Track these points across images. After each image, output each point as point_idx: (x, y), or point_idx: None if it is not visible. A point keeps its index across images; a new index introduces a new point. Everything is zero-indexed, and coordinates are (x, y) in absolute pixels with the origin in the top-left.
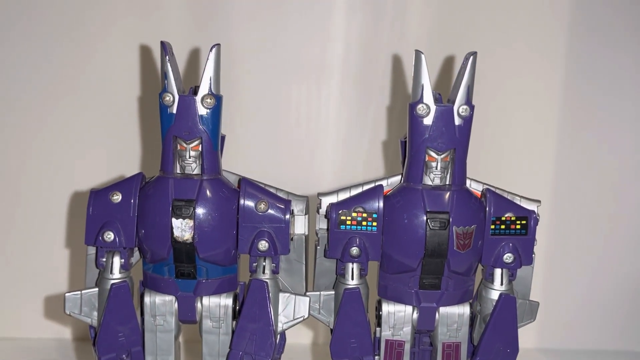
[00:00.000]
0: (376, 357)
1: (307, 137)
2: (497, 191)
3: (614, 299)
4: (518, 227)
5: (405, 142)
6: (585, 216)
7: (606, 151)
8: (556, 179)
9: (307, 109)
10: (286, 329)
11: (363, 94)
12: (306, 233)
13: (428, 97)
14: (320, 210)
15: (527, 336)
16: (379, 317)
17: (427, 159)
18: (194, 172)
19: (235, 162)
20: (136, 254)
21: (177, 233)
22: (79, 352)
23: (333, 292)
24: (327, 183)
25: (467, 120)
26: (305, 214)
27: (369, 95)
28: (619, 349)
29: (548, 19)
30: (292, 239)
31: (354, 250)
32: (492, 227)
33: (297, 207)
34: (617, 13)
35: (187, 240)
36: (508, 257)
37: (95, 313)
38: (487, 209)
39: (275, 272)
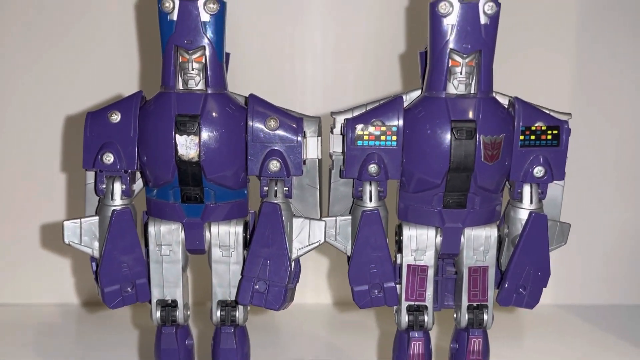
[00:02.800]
0: (397, 285)
1: (307, 56)
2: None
3: (631, 253)
4: (549, 137)
5: (426, 52)
6: (602, 167)
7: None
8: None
9: (303, 23)
10: (301, 255)
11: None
12: (319, 156)
13: None
14: (334, 130)
15: (545, 291)
16: (399, 242)
17: (450, 63)
18: (198, 87)
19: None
20: (139, 181)
21: (181, 151)
22: (84, 317)
23: (350, 217)
24: (326, 103)
25: (494, 19)
26: (318, 136)
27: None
28: (636, 303)
29: None
30: (304, 163)
31: (373, 168)
32: (522, 137)
33: (309, 128)
34: None
35: (192, 158)
36: (539, 171)
37: (97, 243)
38: (515, 118)
39: (287, 196)
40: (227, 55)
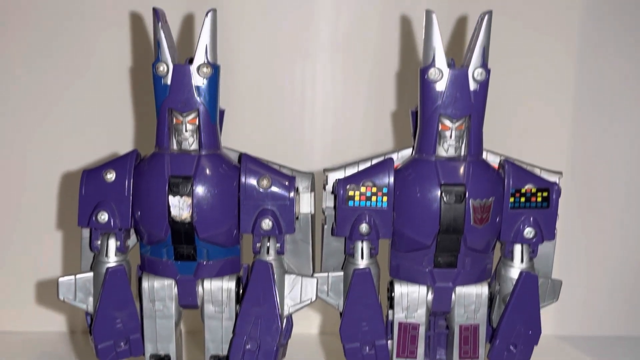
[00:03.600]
0: (389, 341)
1: (306, 110)
2: (516, 162)
3: (634, 285)
4: (539, 199)
5: (417, 112)
6: (603, 199)
7: (627, 118)
8: (572, 155)
9: (304, 79)
10: (293, 313)
11: (365, 62)
12: (312, 212)
13: (440, 61)
14: (327, 186)
15: (545, 322)
16: (391, 299)
17: (440, 127)
18: (191, 147)
19: (230, 139)
20: (133, 236)
21: (174, 212)
22: (77, 345)
23: (342, 273)
24: (329, 159)
25: (483, 85)
26: (311, 192)
27: (373, 62)
28: (637, 335)
29: None
30: (297, 218)
31: (364, 228)
32: (512, 199)
33: (302, 184)
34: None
35: (185, 219)
36: (529, 232)
37: (91, 299)
38: (505, 180)
39: (280, 252)
40: (222, 112)
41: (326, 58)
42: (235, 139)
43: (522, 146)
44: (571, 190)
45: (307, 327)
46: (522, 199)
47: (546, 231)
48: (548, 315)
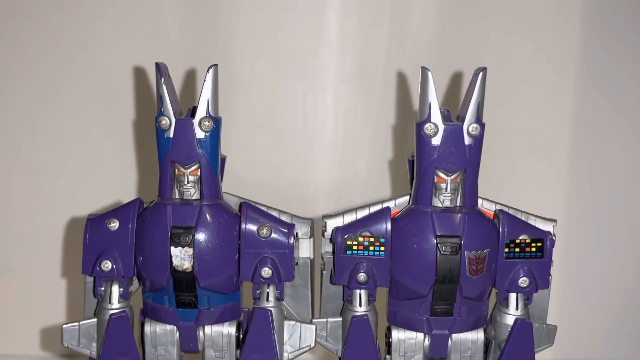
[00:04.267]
0: None
1: (307, 153)
2: (511, 211)
3: (630, 312)
4: (533, 249)
5: (413, 160)
6: (599, 231)
7: (620, 168)
8: (570, 194)
9: (306, 124)
10: (292, 359)
11: (365, 108)
12: (311, 257)
13: (436, 116)
14: (325, 233)
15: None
16: (389, 345)
17: (436, 180)
18: (193, 198)
19: (231, 181)
20: (135, 282)
21: (176, 262)
22: None
23: (340, 319)
24: (330, 202)
25: (478, 140)
26: (310, 237)
27: (371, 110)
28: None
29: (558, 25)
30: (296, 264)
31: (362, 277)
32: (506, 250)
33: (301, 230)
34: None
35: (186, 269)
36: (523, 281)
37: (94, 344)
38: (500, 231)
39: (279, 299)
40: (223, 159)
41: (332, 92)
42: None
43: (518, 194)
44: (569, 219)
45: None
46: (517, 250)
47: (540, 280)
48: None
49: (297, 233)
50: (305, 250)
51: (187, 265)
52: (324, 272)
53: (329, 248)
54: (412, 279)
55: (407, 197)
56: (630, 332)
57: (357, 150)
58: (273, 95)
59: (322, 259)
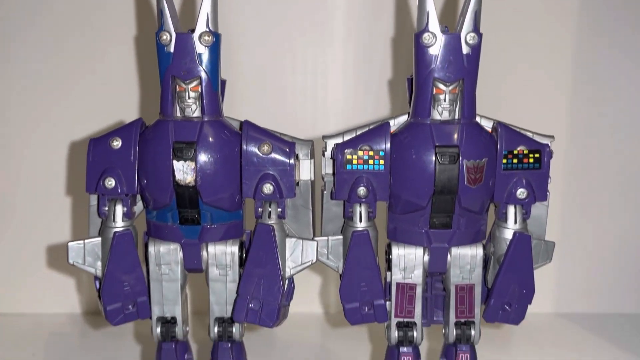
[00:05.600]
0: (387, 303)
1: (308, 82)
2: (509, 126)
3: (633, 262)
4: (531, 160)
5: (412, 79)
6: (603, 174)
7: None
8: (571, 123)
9: (307, 55)
10: (294, 274)
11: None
12: (312, 178)
13: (434, 25)
14: (325, 153)
15: (545, 300)
16: (389, 261)
17: (434, 91)
18: (194, 114)
19: (235, 112)
20: (139, 203)
21: (178, 176)
22: (91, 325)
23: (341, 237)
24: (331, 129)
25: (476, 49)
26: (311, 159)
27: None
28: (637, 312)
29: None
30: (297, 184)
31: (361, 191)
32: (504, 161)
33: (301, 151)
34: None
35: (189, 183)
36: (521, 193)
37: (99, 263)
38: (498, 142)
39: (281, 217)
40: (223, 82)
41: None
42: (238, 112)
43: (517, 113)
44: (569, 167)
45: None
46: (515, 160)
47: (538, 192)
48: (548, 294)
49: (297, 154)
50: (305, 171)
51: (189, 179)
52: (325, 192)
53: (329, 169)
54: (411, 190)
55: (406, 116)
56: (631, 284)
57: (366, 74)
58: (270, 25)
59: (323, 179)
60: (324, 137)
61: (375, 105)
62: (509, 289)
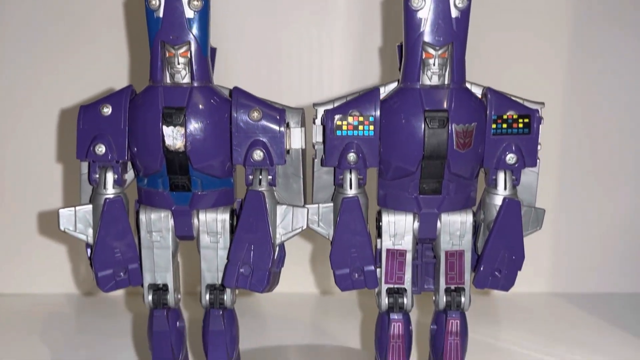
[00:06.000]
0: (377, 270)
1: (300, 51)
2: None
3: (627, 242)
4: (520, 125)
5: (402, 46)
6: (598, 155)
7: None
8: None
9: (299, 24)
10: (285, 241)
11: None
12: (303, 147)
13: None
14: (316, 121)
15: (540, 279)
16: (379, 228)
17: (424, 55)
18: (184, 80)
19: (225, 82)
20: (130, 172)
21: (168, 141)
22: (88, 305)
23: (332, 204)
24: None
25: (465, 12)
26: (302, 127)
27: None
28: (633, 292)
29: None
30: (288, 152)
31: (351, 157)
32: (494, 126)
33: (292, 119)
34: None
35: (179, 149)
36: (511, 158)
37: (90, 230)
38: (488, 107)
39: (271, 184)
40: (213, 50)
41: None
42: (228, 82)
43: (512, 80)
44: (566, 145)
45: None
46: (504, 125)
47: (528, 158)
48: (543, 273)
49: (288, 122)
50: (296, 139)
51: (179, 144)
52: (315, 160)
53: (319, 138)
54: (401, 155)
55: (396, 83)
56: (626, 264)
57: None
58: None
59: (314, 147)
60: (315, 105)
61: (366, 74)
62: (498, 255)
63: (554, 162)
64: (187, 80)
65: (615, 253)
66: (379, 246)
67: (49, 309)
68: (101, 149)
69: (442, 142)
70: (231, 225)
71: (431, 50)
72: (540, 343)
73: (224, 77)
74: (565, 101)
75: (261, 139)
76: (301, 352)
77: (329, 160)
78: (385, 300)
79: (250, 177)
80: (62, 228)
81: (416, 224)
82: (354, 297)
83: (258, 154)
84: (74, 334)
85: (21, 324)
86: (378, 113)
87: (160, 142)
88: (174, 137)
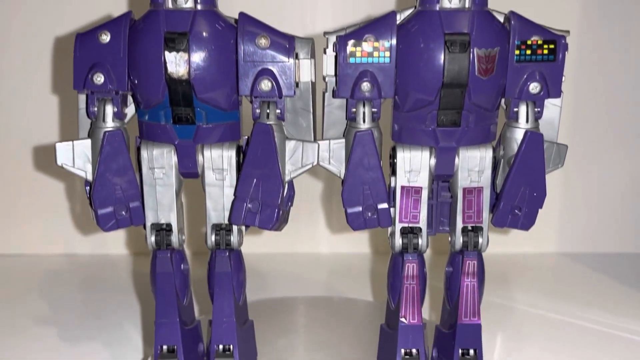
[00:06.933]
0: (391, 209)
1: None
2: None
3: (636, 202)
4: (545, 52)
5: None
6: (607, 111)
7: None
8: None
9: None
10: (294, 177)
11: None
12: (313, 79)
13: None
14: (327, 50)
15: (548, 241)
16: (393, 165)
17: None
18: (187, 4)
19: (230, 11)
20: (131, 106)
21: (171, 68)
22: (88, 266)
23: (343, 140)
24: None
25: None
26: (311, 58)
27: None
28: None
29: None
30: (297, 86)
31: (366, 86)
32: (517, 52)
33: (301, 50)
34: None
35: (182, 76)
36: (534, 87)
37: (89, 166)
38: (511, 32)
39: (280, 118)
40: None
41: None
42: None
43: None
44: (577, 103)
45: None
46: (528, 52)
47: (552, 87)
48: (551, 234)
49: (297, 53)
50: (306, 72)
51: (182, 71)
52: (326, 94)
53: (331, 70)
54: (419, 83)
55: (412, 9)
56: (635, 225)
57: None
58: None
59: (324, 80)
60: (326, 33)
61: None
62: (519, 192)
63: (565, 121)
64: (190, 4)
65: (624, 213)
66: (393, 184)
67: (51, 268)
68: (100, 78)
69: (463, 67)
70: (237, 162)
71: None
72: (551, 301)
73: (228, 7)
74: (576, 59)
75: (269, 67)
76: (309, 304)
77: (341, 91)
78: (399, 241)
79: (257, 110)
80: (59, 163)
81: (433, 160)
82: (366, 259)
83: (266, 84)
84: (77, 293)
85: (20, 284)
86: (395, 38)
87: (162, 70)
88: (176, 63)
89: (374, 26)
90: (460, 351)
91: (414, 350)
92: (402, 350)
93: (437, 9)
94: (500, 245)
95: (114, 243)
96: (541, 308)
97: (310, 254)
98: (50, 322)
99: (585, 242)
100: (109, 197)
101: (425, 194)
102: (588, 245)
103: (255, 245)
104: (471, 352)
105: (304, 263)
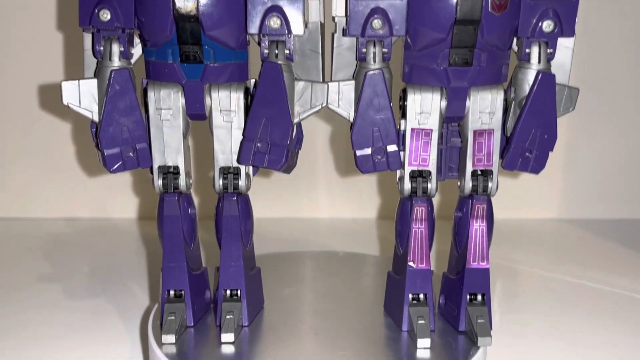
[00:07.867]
0: (401, 153)
1: None
2: None
3: (637, 169)
4: None
5: None
6: (612, 77)
7: None
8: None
9: None
10: (303, 119)
11: None
12: (322, 20)
13: None
14: None
15: (550, 207)
16: (403, 107)
17: None
18: None
19: None
20: (138, 47)
21: (179, 3)
22: (91, 230)
23: (353, 82)
24: None
25: None
26: None
27: None
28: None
29: None
30: (306, 27)
31: (377, 23)
32: None
33: None
34: None
35: (190, 11)
36: (548, 25)
37: (96, 106)
38: None
39: (289, 58)
40: None
41: None
42: None
43: None
44: (581, 72)
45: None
46: None
47: (566, 25)
48: (554, 200)
49: None
50: (315, 12)
51: (190, 6)
52: (336, 35)
53: (340, 10)
54: (431, 20)
55: None
56: (637, 191)
57: None
58: None
59: (334, 21)
60: None
61: None
62: (530, 134)
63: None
64: None
65: (626, 180)
66: (402, 127)
67: (56, 231)
68: (106, 14)
69: (477, 2)
70: (245, 104)
71: None
72: (553, 263)
73: None
74: (580, 24)
75: (278, 4)
76: (315, 257)
77: (352, 29)
78: (408, 185)
79: (265, 50)
80: (65, 102)
81: (443, 103)
82: (371, 224)
83: (275, 22)
84: (83, 256)
85: (25, 247)
86: None
87: (170, 5)
88: None
89: None
90: (468, 297)
91: (421, 295)
92: (410, 295)
93: None
94: (503, 210)
95: (118, 208)
96: (544, 268)
97: (311, 219)
98: (54, 280)
99: (588, 209)
100: (116, 138)
101: (435, 137)
102: (590, 212)
103: (255, 210)
104: (479, 297)
105: (306, 227)
